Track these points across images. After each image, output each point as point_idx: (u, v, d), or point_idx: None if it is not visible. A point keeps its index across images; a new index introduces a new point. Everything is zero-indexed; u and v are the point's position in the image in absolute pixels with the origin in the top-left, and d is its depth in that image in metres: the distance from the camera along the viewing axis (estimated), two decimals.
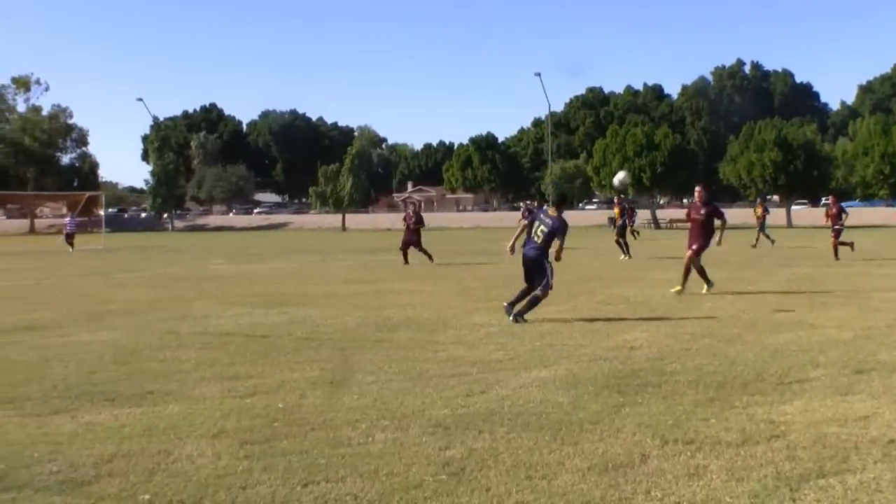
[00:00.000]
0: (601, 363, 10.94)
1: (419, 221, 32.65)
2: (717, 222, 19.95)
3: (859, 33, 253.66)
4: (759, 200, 45.78)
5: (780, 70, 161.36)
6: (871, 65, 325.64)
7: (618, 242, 35.19)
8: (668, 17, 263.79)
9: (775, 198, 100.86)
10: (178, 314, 16.89)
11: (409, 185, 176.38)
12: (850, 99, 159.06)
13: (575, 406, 8.56)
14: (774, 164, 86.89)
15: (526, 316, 14.76)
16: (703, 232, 19.59)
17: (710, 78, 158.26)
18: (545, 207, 15.96)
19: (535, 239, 15.09)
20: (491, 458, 6.87)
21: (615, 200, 41.93)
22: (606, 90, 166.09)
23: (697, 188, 20.38)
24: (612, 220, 53.32)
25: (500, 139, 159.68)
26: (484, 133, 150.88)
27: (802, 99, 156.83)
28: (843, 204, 33.29)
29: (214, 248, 53.53)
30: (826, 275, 24.28)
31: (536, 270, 15.08)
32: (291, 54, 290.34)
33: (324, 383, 9.88)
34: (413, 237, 32.06)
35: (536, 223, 15.23)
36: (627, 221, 38.48)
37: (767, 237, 41.57)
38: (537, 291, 14.91)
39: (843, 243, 31.12)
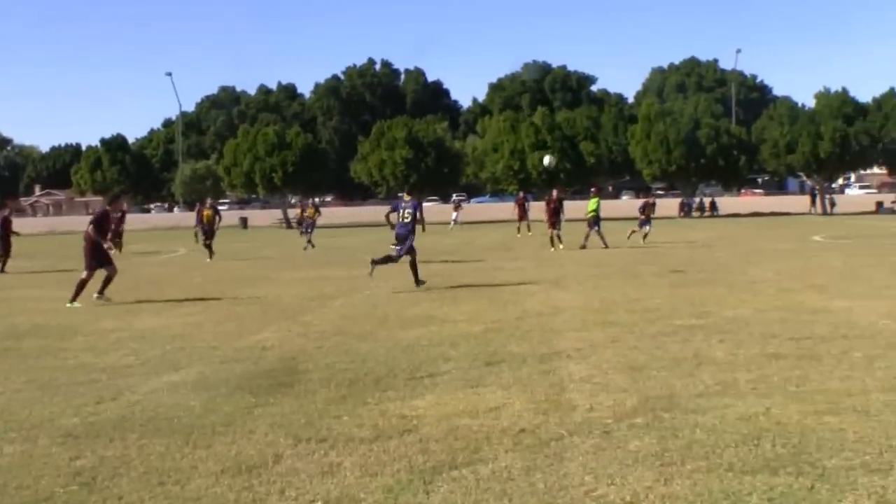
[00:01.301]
0: (233, 365, 10.91)
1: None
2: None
3: (489, 33, 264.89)
4: (310, 202, 46.03)
5: (411, 69, 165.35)
6: (501, 63, 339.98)
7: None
8: (301, 16, 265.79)
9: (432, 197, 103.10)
10: None
11: (37, 189, 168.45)
12: (482, 97, 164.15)
13: (207, 409, 8.49)
14: (406, 162, 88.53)
15: None
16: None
17: (343, 77, 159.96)
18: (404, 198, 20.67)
19: (404, 220, 19.95)
20: (123, 466, 6.73)
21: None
22: (239, 89, 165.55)
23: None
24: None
25: (131, 140, 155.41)
26: (114, 134, 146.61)
27: (434, 97, 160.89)
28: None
29: None
30: (457, 270, 25.05)
31: (403, 242, 19.80)
32: None
33: None
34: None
35: (401, 210, 20.09)
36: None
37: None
38: (391, 253, 20.06)
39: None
